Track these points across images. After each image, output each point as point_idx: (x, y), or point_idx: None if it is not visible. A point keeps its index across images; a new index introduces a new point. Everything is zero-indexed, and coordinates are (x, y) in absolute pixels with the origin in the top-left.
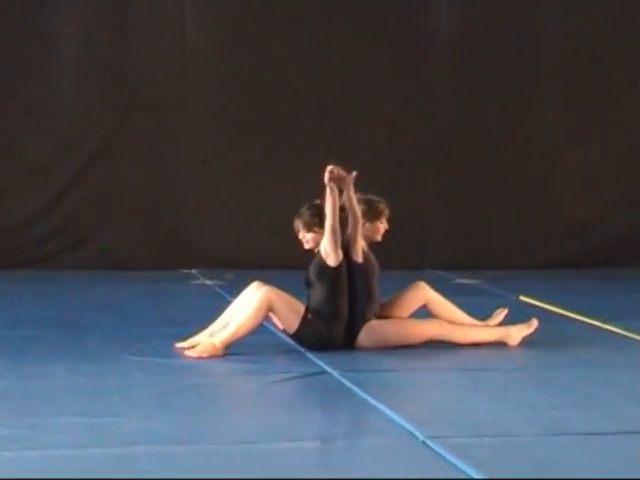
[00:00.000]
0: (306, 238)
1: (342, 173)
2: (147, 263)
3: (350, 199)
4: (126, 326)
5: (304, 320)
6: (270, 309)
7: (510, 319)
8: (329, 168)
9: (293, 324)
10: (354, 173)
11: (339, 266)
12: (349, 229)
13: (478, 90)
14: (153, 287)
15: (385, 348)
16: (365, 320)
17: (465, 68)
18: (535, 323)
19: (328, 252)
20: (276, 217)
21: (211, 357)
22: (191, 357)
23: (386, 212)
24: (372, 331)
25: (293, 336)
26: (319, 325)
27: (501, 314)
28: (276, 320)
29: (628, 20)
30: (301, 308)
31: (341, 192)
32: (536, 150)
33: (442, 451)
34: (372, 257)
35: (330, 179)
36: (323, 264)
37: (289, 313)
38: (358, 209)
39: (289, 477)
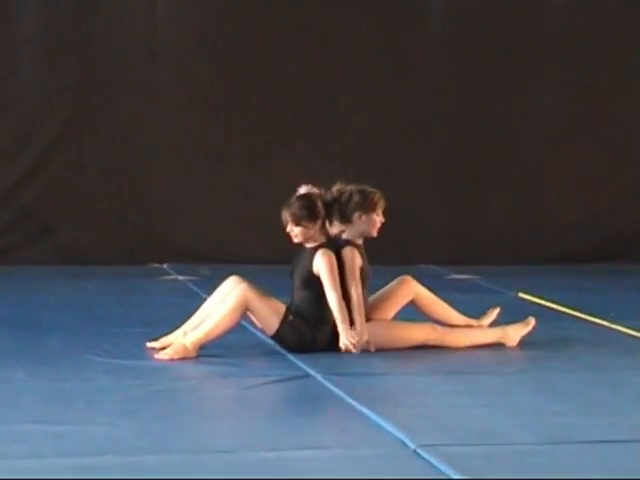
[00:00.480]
0: (294, 232)
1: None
2: (114, 257)
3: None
4: (91, 325)
5: (285, 322)
6: (247, 309)
7: (509, 317)
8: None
9: (272, 325)
10: (373, 349)
11: None
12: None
13: (474, 79)
14: (120, 283)
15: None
16: (352, 324)
17: (460, 57)
18: (532, 321)
19: (320, 276)
20: (254, 208)
21: (183, 359)
22: (161, 359)
23: (381, 203)
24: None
25: (272, 337)
26: (301, 327)
27: (494, 312)
28: (254, 319)
29: (631, 6)
30: (281, 308)
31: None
32: (536, 140)
33: (435, 461)
34: (366, 263)
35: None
36: (312, 272)
37: (268, 313)
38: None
39: None
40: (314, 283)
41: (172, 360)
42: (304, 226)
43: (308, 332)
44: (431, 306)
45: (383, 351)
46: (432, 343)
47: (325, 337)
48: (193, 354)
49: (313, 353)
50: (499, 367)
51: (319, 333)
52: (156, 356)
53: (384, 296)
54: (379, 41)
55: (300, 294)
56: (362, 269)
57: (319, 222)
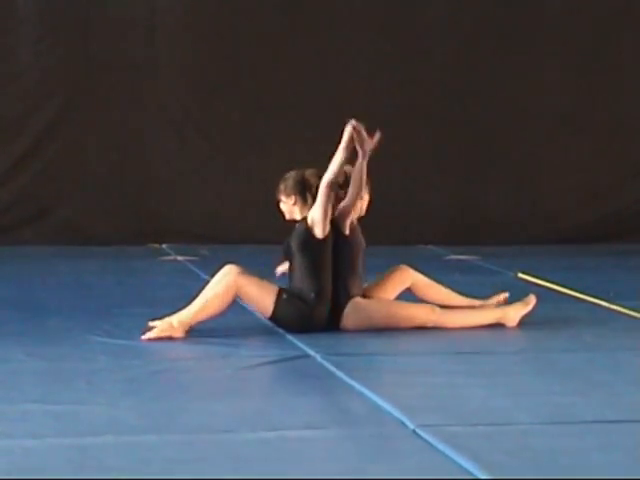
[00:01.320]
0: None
1: (364, 134)
2: (113, 237)
3: (362, 168)
4: (90, 306)
5: (279, 301)
6: (239, 295)
7: (509, 298)
8: (353, 123)
9: (268, 307)
10: (378, 134)
11: (325, 238)
12: (347, 199)
13: (475, 63)
14: (120, 264)
15: (370, 330)
16: (350, 297)
17: (461, 40)
18: (533, 300)
19: (316, 221)
20: (252, 188)
21: (169, 338)
22: (148, 339)
23: None
24: (357, 310)
25: (270, 319)
26: (298, 304)
27: (501, 296)
28: (250, 305)
29: None
30: (274, 289)
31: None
32: (535, 121)
33: (434, 441)
34: (359, 233)
35: (351, 134)
36: (308, 233)
37: (262, 296)
38: (365, 182)
39: (267, 469)
40: (311, 247)
41: (159, 339)
42: (282, 201)
43: (305, 307)
44: (430, 290)
45: (382, 331)
46: (431, 324)
47: (323, 312)
48: (180, 333)
49: (312, 333)
50: (499, 347)
51: (316, 307)
52: (142, 337)
53: (381, 283)
54: (380, 23)
55: (296, 265)
56: (356, 236)
57: (295, 198)
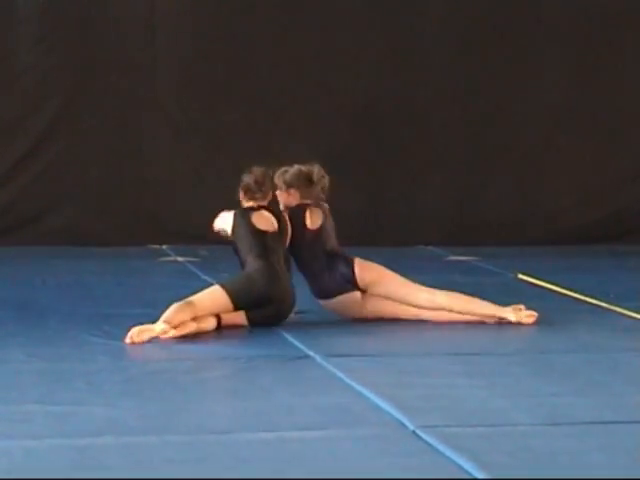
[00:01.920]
0: None
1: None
2: (113, 238)
3: None
4: (90, 306)
5: (225, 287)
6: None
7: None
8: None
9: (225, 299)
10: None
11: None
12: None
13: (475, 61)
14: (119, 264)
15: (378, 282)
16: (348, 260)
17: (461, 38)
18: (534, 316)
19: None
20: None
21: (153, 338)
22: (132, 342)
23: None
24: (365, 265)
25: (249, 312)
26: (241, 276)
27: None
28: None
29: None
30: (214, 285)
31: None
32: (535, 122)
33: (434, 442)
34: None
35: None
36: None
37: (212, 297)
38: None
39: (267, 470)
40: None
41: (142, 340)
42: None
43: (250, 279)
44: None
45: (381, 332)
46: (434, 300)
47: (277, 285)
48: (165, 333)
49: (311, 332)
50: (498, 348)
51: (261, 282)
52: (127, 340)
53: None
54: (379, 21)
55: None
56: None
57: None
